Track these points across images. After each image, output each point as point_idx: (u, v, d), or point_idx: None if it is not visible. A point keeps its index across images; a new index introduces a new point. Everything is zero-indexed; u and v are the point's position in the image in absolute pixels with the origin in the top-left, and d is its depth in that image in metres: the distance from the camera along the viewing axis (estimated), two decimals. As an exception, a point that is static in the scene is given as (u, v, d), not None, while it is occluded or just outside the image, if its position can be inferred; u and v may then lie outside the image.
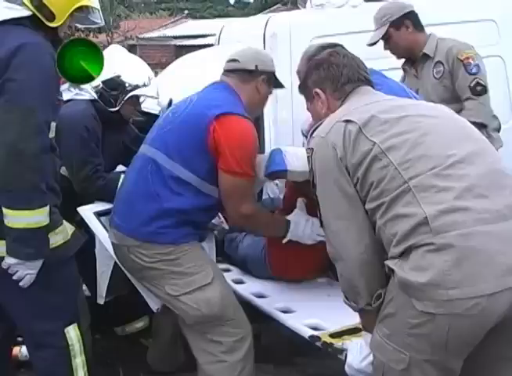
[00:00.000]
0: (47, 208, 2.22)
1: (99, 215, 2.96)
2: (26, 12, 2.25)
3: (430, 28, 3.92)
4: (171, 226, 2.52)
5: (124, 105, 3.23)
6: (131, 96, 3.23)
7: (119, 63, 3.25)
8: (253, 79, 2.66)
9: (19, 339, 3.11)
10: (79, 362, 2.48)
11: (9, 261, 2.21)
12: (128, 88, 3.20)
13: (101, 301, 3.03)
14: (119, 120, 3.30)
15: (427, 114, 2.00)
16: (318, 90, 2.20)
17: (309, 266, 2.94)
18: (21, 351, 3.18)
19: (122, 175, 3.07)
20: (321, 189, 2.01)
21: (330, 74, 2.18)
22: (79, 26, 2.59)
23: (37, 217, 2.19)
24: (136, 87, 3.22)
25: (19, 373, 3.18)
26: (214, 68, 2.81)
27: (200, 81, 2.86)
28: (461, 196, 1.76)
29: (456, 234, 1.71)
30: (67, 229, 2.46)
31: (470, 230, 1.72)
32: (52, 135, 2.31)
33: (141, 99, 3.35)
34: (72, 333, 2.46)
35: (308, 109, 2.34)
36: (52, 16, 2.27)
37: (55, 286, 2.38)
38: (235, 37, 4.27)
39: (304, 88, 2.30)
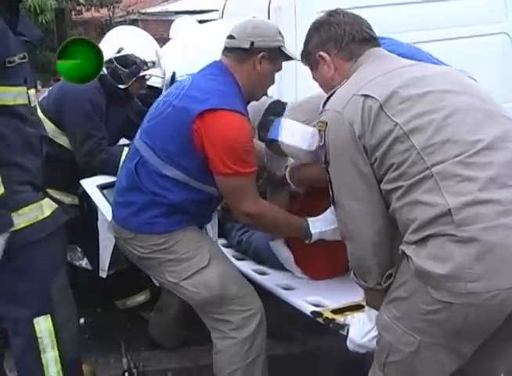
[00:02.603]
0: None
1: (102, 187, 2.94)
2: None
3: (436, 4, 3.89)
4: (161, 215, 2.44)
5: (133, 83, 3.21)
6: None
7: (128, 37, 3.22)
8: (249, 58, 2.42)
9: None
10: (50, 357, 2.23)
11: None
12: (138, 63, 3.16)
13: (103, 274, 3.03)
14: (125, 95, 3.28)
15: (452, 90, 1.86)
16: (321, 53, 2.07)
17: (339, 261, 2.53)
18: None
19: (125, 148, 3.07)
20: (334, 166, 1.91)
21: (332, 34, 2.04)
22: None
23: None
24: (145, 63, 3.19)
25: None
26: (218, 42, 2.76)
27: (204, 55, 2.82)
28: (485, 187, 1.68)
29: (479, 228, 1.65)
30: (42, 209, 2.16)
31: (494, 223, 1.65)
32: (22, 101, 2.09)
33: (147, 76, 3.32)
34: (42, 325, 2.21)
35: (314, 78, 2.21)
36: None
37: (21, 271, 2.15)
38: (238, 11, 4.21)
39: (306, 55, 2.15)
